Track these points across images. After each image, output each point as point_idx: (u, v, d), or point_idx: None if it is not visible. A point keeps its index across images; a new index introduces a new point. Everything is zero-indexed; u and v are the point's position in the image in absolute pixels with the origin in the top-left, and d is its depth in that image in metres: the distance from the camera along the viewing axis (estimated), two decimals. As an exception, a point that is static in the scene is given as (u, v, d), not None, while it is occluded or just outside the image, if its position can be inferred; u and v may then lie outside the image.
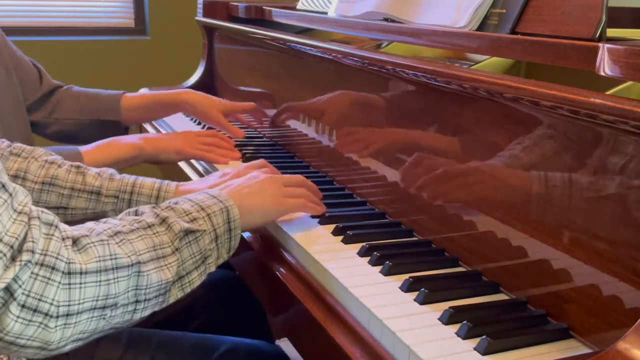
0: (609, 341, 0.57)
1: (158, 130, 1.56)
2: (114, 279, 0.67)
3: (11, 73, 1.26)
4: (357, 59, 1.02)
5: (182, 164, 1.31)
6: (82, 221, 0.94)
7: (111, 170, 0.98)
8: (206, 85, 1.84)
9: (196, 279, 0.76)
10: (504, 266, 0.78)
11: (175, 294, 0.74)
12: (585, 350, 0.66)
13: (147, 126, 1.61)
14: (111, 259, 0.67)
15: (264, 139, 1.45)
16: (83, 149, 1.16)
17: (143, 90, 1.79)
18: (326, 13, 1.30)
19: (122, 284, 0.67)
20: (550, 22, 0.77)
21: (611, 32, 0.71)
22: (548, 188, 0.71)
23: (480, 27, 0.89)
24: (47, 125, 1.37)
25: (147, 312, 0.72)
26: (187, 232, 0.75)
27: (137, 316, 0.71)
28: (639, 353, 0.52)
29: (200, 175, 1.25)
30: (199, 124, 1.57)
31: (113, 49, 2.67)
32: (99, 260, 0.66)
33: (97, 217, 0.95)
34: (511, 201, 0.76)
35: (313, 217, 0.96)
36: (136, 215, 0.76)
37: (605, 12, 0.70)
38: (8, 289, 0.59)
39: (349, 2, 1.22)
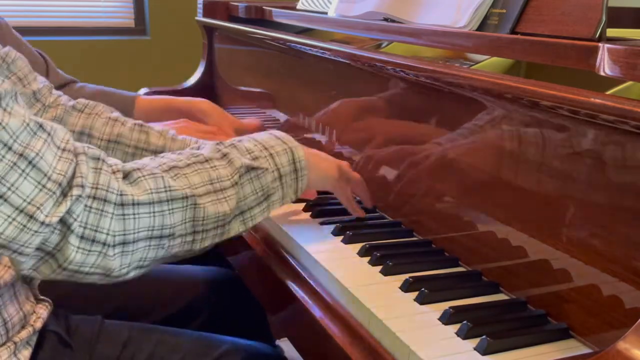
0: (609, 341, 0.57)
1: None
2: (168, 210, 0.68)
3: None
4: (357, 59, 1.02)
5: None
6: None
7: (172, 131, 1.00)
8: (206, 85, 1.84)
9: (258, 215, 0.78)
10: (504, 266, 0.78)
11: (237, 228, 0.76)
12: (585, 350, 0.66)
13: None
14: (166, 191, 0.68)
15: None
16: None
17: (143, 90, 1.79)
18: (326, 13, 1.30)
19: (177, 215, 0.69)
20: (550, 22, 0.77)
21: (611, 32, 0.71)
22: (548, 188, 0.71)
23: (480, 27, 0.89)
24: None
25: (207, 243, 0.73)
26: (249, 169, 0.76)
27: (197, 246, 0.73)
28: (639, 353, 0.52)
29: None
30: None
31: (113, 49, 2.68)
32: (152, 192, 0.67)
33: None
34: (511, 201, 0.76)
35: (314, 217, 0.96)
36: (198, 150, 0.78)
37: (605, 12, 0.70)
38: (65, 222, 0.62)
39: (349, 2, 1.22)
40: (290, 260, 0.88)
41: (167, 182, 0.69)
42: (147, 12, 2.75)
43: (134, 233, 0.66)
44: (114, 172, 0.66)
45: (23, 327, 0.77)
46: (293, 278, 0.84)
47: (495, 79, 0.73)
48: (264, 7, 1.61)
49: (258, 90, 1.56)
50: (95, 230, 0.64)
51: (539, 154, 0.72)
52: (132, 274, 0.69)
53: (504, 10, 0.86)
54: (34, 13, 2.67)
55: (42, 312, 0.81)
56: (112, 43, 2.70)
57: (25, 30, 2.63)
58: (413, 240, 0.92)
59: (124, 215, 0.65)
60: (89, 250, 0.64)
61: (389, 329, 0.67)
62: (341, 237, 0.89)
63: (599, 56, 0.64)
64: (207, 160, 0.75)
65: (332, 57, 1.10)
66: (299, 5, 1.52)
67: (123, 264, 0.67)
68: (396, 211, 0.98)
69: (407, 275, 0.77)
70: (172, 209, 0.69)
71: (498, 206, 0.78)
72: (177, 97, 1.45)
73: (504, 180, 0.77)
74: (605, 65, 0.63)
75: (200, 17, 1.82)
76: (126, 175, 0.68)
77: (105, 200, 0.64)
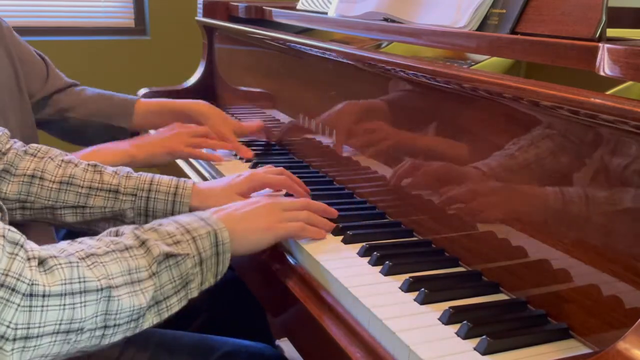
0: (609, 341, 0.57)
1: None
2: (80, 302, 0.64)
3: (16, 65, 1.25)
4: (357, 59, 1.02)
5: (182, 163, 1.31)
6: (101, 220, 0.95)
7: (127, 169, 0.98)
8: (206, 85, 1.84)
9: (175, 304, 0.74)
10: (504, 266, 0.78)
11: (151, 320, 0.72)
12: (585, 350, 0.66)
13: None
14: (79, 282, 0.65)
15: (263, 139, 1.45)
16: (75, 154, 1.15)
17: (143, 90, 1.79)
18: (326, 13, 1.30)
19: (90, 308, 0.65)
20: (550, 22, 0.77)
21: (611, 32, 0.71)
22: (548, 188, 0.71)
23: (480, 27, 0.89)
24: (55, 123, 1.35)
25: (117, 338, 0.70)
26: (168, 256, 0.73)
27: (106, 341, 0.69)
28: (639, 353, 0.52)
29: (197, 171, 1.25)
30: None
31: (113, 49, 2.68)
32: (65, 283, 0.64)
33: (115, 215, 0.95)
34: (511, 201, 0.76)
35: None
36: (116, 235, 0.75)
37: (605, 12, 0.70)
38: None
39: (349, 2, 1.22)
40: (290, 261, 0.88)
41: (81, 273, 0.65)
42: (147, 12, 2.74)
43: (40, 327, 0.62)
44: (29, 259, 0.62)
45: None
46: (293, 278, 0.84)
47: (495, 79, 0.73)
48: (264, 7, 1.61)
49: (258, 90, 1.56)
50: None
51: (539, 154, 0.72)
52: None
53: (504, 10, 0.86)
54: (34, 13, 2.67)
55: None
56: (112, 43, 2.69)
57: (25, 30, 2.63)
58: (413, 240, 0.92)
59: (31, 307, 0.61)
60: None
61: (389, 329, 0.67)
62: (341, 237, 0.89)
63: (599, 56, 0.64)
64: (126, 249, 0.71)
65: (332, 57, 1.10)
66: (299, 5, 1.52)
67: None
68: (396, 211, 0.98)
69: (407, 275, 0.77)
70: (85, 301, 0.65)
71: (498, 206, 0.78)
72: (175, 100, 1.46)
73: (504, 181, 0.77)
74: (605, 65, 0.63)
75: (200, 17, 1.82)
76: (41, 262, 0.64)
77: (13, 290, 0.60)
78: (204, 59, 1.85)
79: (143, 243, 0.72)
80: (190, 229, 0.77)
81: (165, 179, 0.96)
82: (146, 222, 0.95)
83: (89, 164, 0.97)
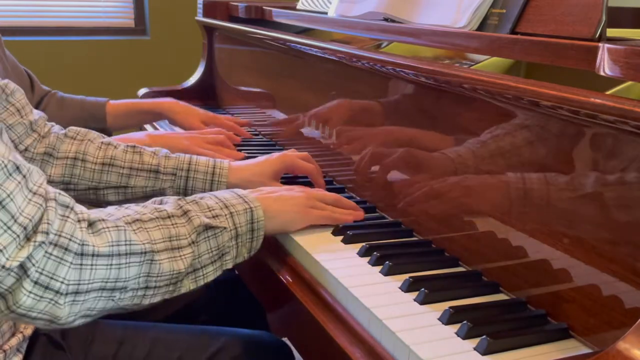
0: (609, 341, 0.57)
1: (156, 129, 1.56)
2: (125, 263, 0.69)
3: (11, 78, 1.26)
4: (357, 59, 1.02)
5: None
6: (142, 199, 0.98)
7: (165, 150, 1.02)
8: (206, 85, 1.84)
9: (210, 273, 0.78)
10: (504, 266, 0.78)
11: (188, 285, 0.76)
12: (585, 350, 0.66)
13: (148, 127, 1.61)
14: (125, 245, 0.69)
15: (263, 139, 1.45)
16: None
17: (143, 91, 1.79)
18: (326, 13, 1.30)
19: (133, 269, 0.69)
20: (550, 22, 0.77)
21: (611, 32, 0.71)
22: (548, 188, 0.71)
23: (480, 27, 0.89)
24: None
25: (156, 299, 0.74)
26: (207, 227, 0.77)
27: (146, 301, 0.73)
28: (639, 353, 0.52)
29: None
30: None
31: (113, 49, 2.68)
32: (112, 245, 0.68)
33: (156, 194, 0.99)
34: (511, 201, 0.76)
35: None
36: (160, 204, 0.79)
37: (605, 12, 0.70)
38: (22, 267, 0.62)
39: (349, 2, 1.22)
40: (290, 261, 0.88)
41: (128, 236, 0.70)
42: (147, 12, 2.74)
43: (88, 283, 0.66)
44: (79, 221, 0.67)
45: (13, 335, 0.78)
46: (293, 278, 0.84)
47: (495, 79, 0.73)
48: (264, 7, 1.61)
49: (258, 90, 1.56)
50: (51, 278, 0.64)
51: (539, 154, 0.72)
52: (77, 322, 0.69)
53: (504, 10, 0.86)
54: (34, 13, 2.67)
55: None
56: (112, 43, 2.69)
57: (25, 31, 2.64)
58: (413, 240, 0.92)
59: (81, 265, 0.66)
60: (41, 297, 0.64)
61: (388, 329, 0.67)
62: (341, 237, 0.89)
63: (599, 56, 0.64)
64: (169, 217, 0.75)
65: (332, 57, 1.10)
66: (299, 5, 1.52)
67: (71, 313, 0.67)
68: (396, 211, 0.98)
69: (407, 275, 0.77)
70: (129, 262, 0.69)
71: (498, 206, 0.78)
72: (143, 100, 1.53)
73: (504, 181, 0.77)
74: (605, 65, 0.63)
75: (200, 17, 1.82)
76: (90, 224, 0.68)
77: (66, 249, 0.64)
78: (204, 59, 1.85)
79: (185, 213, 0.77)
80: (228, 205, 0.81)
81: (203, 159, 1.02)
82: None
83: (128, 146, 1.01)
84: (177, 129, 1.50)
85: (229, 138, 1.31)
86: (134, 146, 1.01)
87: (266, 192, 0.89)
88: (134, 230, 0.71)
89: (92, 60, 2.60)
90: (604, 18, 0.70)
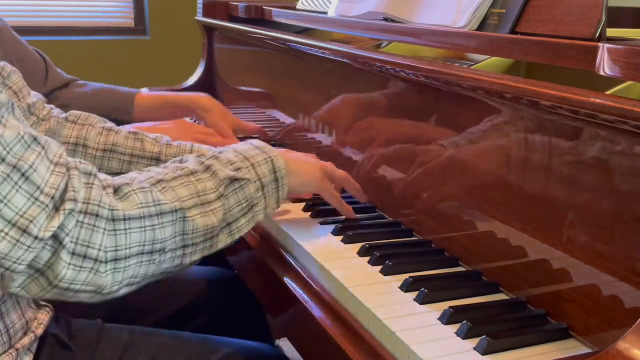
0: (609, 341, 0.57)
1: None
2: (159, 224, 0.68)
3: (14, 65, 1.25)
4: (357, 59, 1.02)
5: None
6: None
7: (167, 137, 1.01)
8: (206, 85, 1.84)
9: (244, 226, 0.78)
10: (504, 266, 0.78)
11: (225, 240, 0.76)
12: (585, 350, 0.66)
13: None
14: (155, 205, 0.68)
15: (263, 139, 1.45)
16: None
17: (144, 91, 1.79)
18: (326, 13, 1.30)
19: (168, 229, 0.69)
20: (550, 22, 0.77)
21: (611, 32, 0.71)
22: (548, 188, 0.71)
23: (480, 27, 0.89)
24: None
25: (196, 257, 0.73)
26: (233, 180, 0.76)
27: (187, 260, 0.73)
28: (639, 353, 0.52)
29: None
30: None
31: (113, 49, 2.68)
32: (142, 207, 0.67)
33: None
34: (511, 201, 0.76)
35: (313, 217, 0.96)
36: (181, 163, 0.78)
37: (605, 12, 0.70)
38: (57, 238, 0.61)
39: (349, 2, 1.22)
40: (290, 261, 0.88)
41: (155, 196, 0.69)
42: (147, 12, 2.75)
43: (126, 249, 0.66)
44: (104, 188, 0.66)
45: (25, 334, 0.77)
46: (293, 278, 0.84)
47: (495, 79, 0.73)
48: (264, 7, 1.61)
49: (258, 90, 1.56)
50: (87, 246, 0.63)
51: (539, 154, 0.72)
52: (123, 292, 0.69)
53: (504, 10, 0.86)
54: (34, 13, 2.67)
55: (44, 318, 0.80)
56: (112, 43, 2.69)
57: (25, 31, 2.63)
58: (413, 240, 0.92)
59: (115, 230, 0.65)
60: (81, 267, 0.63)
61: (389, 329, 0.67)
62: (341, 237, 0.89)
63: (599, 56, 0.64)
64: (192, 174, 0.75)
65: (332, 57, 1.10)
66: (299, 5, 1.52)
67: (115, 281, 0.66)
68: (396, 211, 0.98)
69: (407, 275, 0.77)
70: (162, 223, 0.69)
71: (498, 206, 0.78)
72: (178, 93, 1.45)
73: (504, 181, 0.77)
74: (605, 65, 0.63)
75: (200, 17, 1.82)
76: (116, 190, 0.68)
77: (97, 216, 0.63)
78: (204, 59, 1.85)
79: (208, 168, 0.76)
80: (248, 157, 0.81)
81: (205, 148, 0.99)
82: None
83: (129, 132, 0.99)
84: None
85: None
86: (136, 132, 0.99)
87: (285, 150, 0.89)
88: (159, 190, 0.70)
89: (92, 60, 2.61)
90: (604, 18, 0.70)
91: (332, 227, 0.92)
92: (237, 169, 0.78)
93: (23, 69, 1.27)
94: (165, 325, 1.03)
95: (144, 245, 0.67)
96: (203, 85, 1.83)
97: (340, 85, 1.14)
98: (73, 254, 0.62)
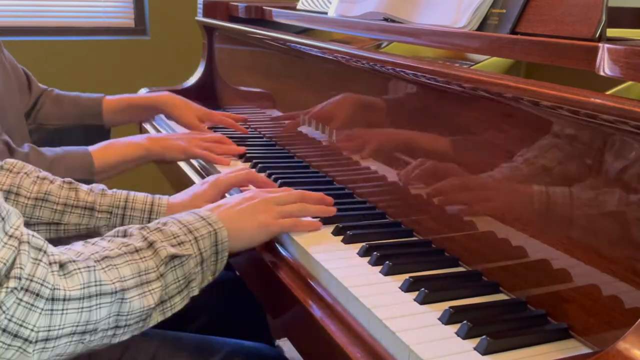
0: (609, 341, 0.57)
1: (158, 131, 1.56)
2: (96, 305, 0.67)
3: (11, 78, 1.26)
4: (357, 59, 1.02)
5: (181, 163, 1.32)
6: (74, 237, 0.94)
7: (102, 186, 0.98)
8: (206, 85, 1.84)
9: (178, 304, 0.76)
10: (504, 266, 0.78)
11: (156, 318, 0.75)
12: (585, 350, 0.66)
13: (147, 126, 1.61)
14: (95, 285, 0.67)
15: (264, 139, 1.45)
16: (90, 148, 1.17)
17: (143, 91, 1.79)
18: (326, 13, 1.31)
19: (104, 310, 0.68)
20: (550, 22, 0.77)
21: (611, 32, 0.71)
22: (548, 188, 0.71)
23: (480, 27, 0.89)
24: (31, 133, 1.36)
25: (125, 337, 0.72)
26: (173, 257, 0.75)
27: (116, 340, 0.71)
28: (639, 353, 0.52)
29: (199, 172, 1.25)
30: None
31: (113, 49, 2.67)
32: (83, 287, 0.66)
33: (90, 233, 0.95)
34: (511, 201, 0.76)
35: (314, 217, 0.96)
36: (124, 236, 0.76)
37: (605, 12, 0.70)
38: None
39: (349, 2, 1.22)
40: (290, 261, 0.88)
41: (98, 276, 0.67)
42: (147, 12, 2.74)
43: (59, 329, 0.64)
44: (50, 264, 0.64)
45: None
46: (293, 278, 0.84)
47: (495, 79, 0.73)
48: (264, 7, 1.61)
49: (258, 90, 1.56)
50: (20, 325, 0.61)
51: (539, 154, 0.72)
52: None
53: (504, 10, 0.86)
54: (34, 13, 2.67)
55: None
56: (112, 43, 2.69)
57: (25, 31, 2.63)
58: (413, 240, 0.92)
59: (52, 310, 0.63)
60: (9, 345, 0.61)
61: (389, 329, 0.67)
62: (341, 237, 0.89)
63: (599, 56, 0.64)
64: (137, 251, 0.73)
65: (332, 57, 1.10)
66: (299, 5, 1.52)
67: None
68: (396, 211, 0.98)
69: (407, 275, 0.77)
70: (100, 304, 0.67)
71: (498, 206, 0.78)
72: (139, 95, 1.50)
73: (504, 181, 0.77)
74: (605, 65, 0.63)
75: (200, 17, 1.82)
76: (62, 266, 0.66)
77: (37, 295, 0.62)
78: (204, 59, 1.85)
79: (151, 245, 0.74)
80: (192, 229, 0.79)
81: (140, 195, 0.97)
82: None
83: (64, 181, 0.96)
84: (174, 123, 1.50)
85: (223, 140, 1.31)
86: (70, 182, 0.96)
87: (228, 207, 0.86)
88: (103, 268, 0.69)
89: (92, 60, 2.60)
90: (604, 18, 0.70)
91: (332, 227, 0.92)
92: (180, 243, 0.76)
93: (17, 80, 1.29)
94: (166, 325, 1.03)
95: (77, 326, 0.66)
96: (203, 85, 1.83)
97: (340, 86, 1.14)
98: (4, 330, 0.61)
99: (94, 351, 0.86)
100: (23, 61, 1.42)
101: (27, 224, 0.94)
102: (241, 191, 1.03)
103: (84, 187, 0.97)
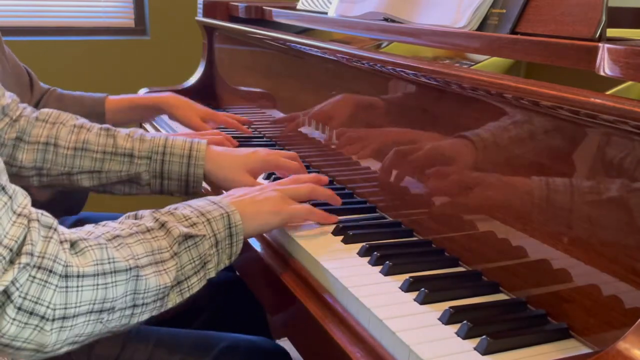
0: (609, 341, 0.57)
1: (159, 131, 1.56)
2: (112, 282, 0.66)
3: (11, 77, 1.26)
4: (357, 59, 1.02)
5: None
6: (117, 183, 0.97)
7: (141, 131, 0.98)
8: (206, 85, 1.84)
9: (195, 284, 0.76)
10: (504, 266, 0.78)
11: (174, 299, 0.74)
12: (585, 350, 0.66)
13: (147, 126, 1.61)
14: (109, 263, 0.66)
15: (264, 139, 1.45)
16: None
17: (143, 91, 1.79)
18: (326, 13, 1.31)
19: (120, 287, 0.67)
20: (550, 22, 0.77)
21: (611, 32, 0.71)
22: (548, 188, 0.71)
23: (480, 27, 0.89)
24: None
25: (144, 317, 0.72)
26: (186, 237, 0.74)
27: (135, 320, 0.71)
28: (639, 353, 0.52)
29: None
30: None
31: (113, 49, 2.67)
32: (97, 264, 0.65)
33: (131, 178, 0.96)
34: (511, 201, 0.76)
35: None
36: (135, 219, 0.76)
37: (605, 12, 0.70)
38: (5, 292, 0.59)
39: (349, 2, 1.22)
40: (290, 261, 0.88)
41: (111, 254, 0.67)
42: (147, 12, 2.74)
43: (75, 307, 0.63)
44: (61, 242, 0.64)
45: None
46: (293, 277, 0.84)
47: (495, 79, 0.73)
48: (264, 7, 1.61)
49: (258, 90, 1.56)
50: (36, 302, 0.61)
51: (539, 154, 0.72)
52: (63, 350, 0.66)
53: (504, 10, 0.86)
54: (34, 13, 2.67)
55: None
56: (112, 43, 2.69)
57: (25, 31, 2.63)
58: (413, 240, 0.92)
59: (67, 287, 0.63)
60: (25, 323, 0.61)
61: (388, 328, 0.67)
62: (341, 237, 0.89)
63: (599, 56, 0.64)
64: (148, 230, 0.73)
65: (332, 57, 1.10)
66: (299, 5, 1.52)
67: (59, 340, 0.64)
68: (396, 211, 0.98)
69: (407, 275, 0.77)
70: (115, 281, 0.67)
71: (498, 206, 0.78)
72: (142, 95, 1.50)
73: (504, 180, 0.77)
74: (605, 65, 0.63)
75: (200, 17, 1.82)
76: (73, 245, 0.66)
77: (50, 271, 0.61)
78: (204, 59, 1.85)
79: (162, 225, 0.74)
80: (204, 212, 0.79)
81: (179, 139, 0.97)
82: (161, 184, 0.98)
83: (101, 128, 0.97)
84: (176, 124, 1.50)
85: (227, 140, 1.31)
86: (108, 128, 0.97)
87: (238, 196, 0.86)
88: (115, 247, 0.68)
89: (92, 60, 2.60)
90: (604, 18, 0.70)
91: (333, 226, 0.92)
92: (192, 224, 0.76)
93: (17, 79, 1.29)
94: (166, 324, 1.03)
95: (94, 304, 0.65)
96: (203, 85, 1.83)
97: (340, 85, 1.14)
98: (19, 309, 0.60)
99: (92, 349, 0.87)
100: (23, 61, 1.41)
101: (70, 173, 0.96)
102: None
103: (123, 132, 0.97)
